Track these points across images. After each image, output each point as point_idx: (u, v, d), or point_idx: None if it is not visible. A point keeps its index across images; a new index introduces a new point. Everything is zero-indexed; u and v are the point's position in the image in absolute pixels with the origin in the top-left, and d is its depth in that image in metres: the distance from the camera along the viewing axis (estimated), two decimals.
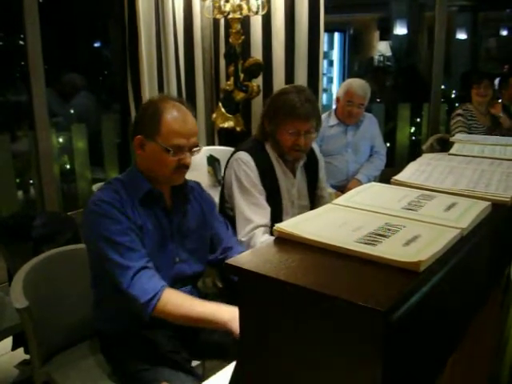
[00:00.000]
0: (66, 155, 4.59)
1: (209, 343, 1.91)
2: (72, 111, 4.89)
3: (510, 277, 1.17)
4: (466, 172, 1.36)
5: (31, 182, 4.20)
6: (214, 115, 3.95)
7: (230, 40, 3.76)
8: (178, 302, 1.65)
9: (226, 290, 2.41)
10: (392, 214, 0.98)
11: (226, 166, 2.43)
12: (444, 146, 3.96)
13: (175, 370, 1.71)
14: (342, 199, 1.08)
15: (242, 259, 0.84)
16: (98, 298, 1.89)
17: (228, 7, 3.61)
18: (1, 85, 4.89)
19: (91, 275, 1.86)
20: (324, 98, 8.04)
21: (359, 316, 0.69)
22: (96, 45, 6.46)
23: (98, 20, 5.76)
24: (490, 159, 1.53)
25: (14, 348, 2.65)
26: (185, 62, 3.99)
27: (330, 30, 8.36)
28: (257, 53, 4.02)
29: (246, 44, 3.94)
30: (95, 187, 3.32)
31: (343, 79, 7.61)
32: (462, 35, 9.32)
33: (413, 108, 5.75)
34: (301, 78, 4.06)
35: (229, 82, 3.84)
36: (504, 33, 9.55)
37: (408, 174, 1.35)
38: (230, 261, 0.82)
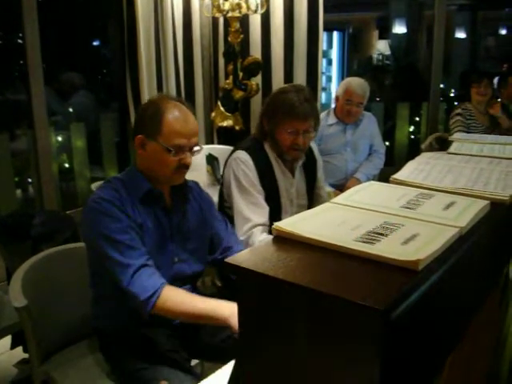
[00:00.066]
0: (64, 154, 4.59)
1: (209, 346, 1.91)
2: (71, 110, 4.89)
3: (508, 276, 1.17)
4: (465, 171, 1.36)
5: (30, 180, 4.20)
6: (213, 114, 3.95)
7: (229, 39, 3.76)
8: (178, 298, 1.65)
9: (225, 288, 2.42)
10: (391, 212, 0.98)
11: (224, 165, 2.43)
12: (443, 144, 3.96)
13: (174, 368, 1.71)
14: (341, 198, 1.08)
15: (241, 258, 0.84)
16: (96, 297, 1.89)
17: (227, 6, 3.60)
18: (0, 83, 4.89)
19: (90, 274, 1.86)
20: (323, 96, 8.05)
21: (358, 315, 0.69)
22: (95, 43, 6.46)
23: (96, 19, 5.76)
24: (489, 158, 1.52)
25: (12, 347, 2.65)
26: (184, 60, 3.99)
27: (329, 28, 8.37)
28: (256, 51, 4.02)
29: (245, 43, 3.94)
30: (94, 186, 3.32)
31: (342, 78, 7.61)
32: (461, 34, 9.33)
33: (412, 107, 5.75)
34: (300, 76, 4.06)
35: (228, 81, 3.83)
36: (503, 32, 9.56)
37: (407, 172, 1.35)
38: (228, 259, 0.82)
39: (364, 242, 0.84)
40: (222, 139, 4.00)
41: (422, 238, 0.85)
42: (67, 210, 3.59)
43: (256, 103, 4.04)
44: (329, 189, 3.23)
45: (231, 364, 1.44)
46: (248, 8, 3.63)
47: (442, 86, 5.30)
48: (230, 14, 3.65)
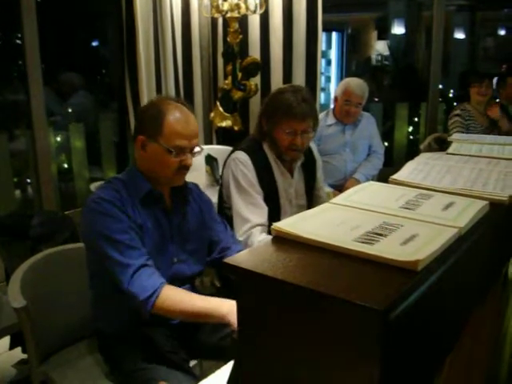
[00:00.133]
0: (63, 154, 4.59)
1: (207, 344, 1.91)
2: (70, 110, 4.89)
3: (507, 275, 1.17)
4: (464, 171, 1.36)
5: (29, 181, 4.20)
6: (212, 114, 3.95)
7: (228, 39, 3.76)
8: (177, 297, 1.66)
9: (224, 289, 2.41)
10: (390, 213, 0.98)
11: (223, 166, 2.43)
12: (442, 145, 3.97)
13: (173, 369, 1.71)
14: (340, 198, 1.08)
15: (240, 258, 0.84)
16: (96, 297, 1.89)
17: (226, 6, 3.60)
18: None
19: (89, 274, 1.86)
20: (322, 97, 8.05)
21: (357, 315, 0.69)
22: (94, 44, 6.46)
23: (95, 19, 5.76)
24: (488, 158, 1.53)
25: (11, 347, 2.64)
26: (183, 60, 3.99)
27: (327, 29, 8.36)
28: (255, 52, 4.02)
29: (244, 43, 3.94)
30: (93, 186, 3.32)
31: (341, 78, 7.61)
32: (459, 35, 9.33)
33: (411, 107, 5.75)
34: (299, 77, 4.06)
35: (227, 81, 3.83)
36: (502, 32, 9.57)
37: (406, 173, 1.35)
38: (227, 260, 0.82)
39: (363, 242, 0.84)
40: (221, 139, 4.00)
41: (421, 239, 0.86)
42: (66, 210, 3.58)
43: (255, 104, 4.04)
44: (328, 189, 3.23)
45: (230, 364, 1.44)
46: (247, 8, 3.63)
47: (440, 86, 5.30)
48: (228, 15, 3.65)
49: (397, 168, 1.38)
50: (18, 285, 1.87)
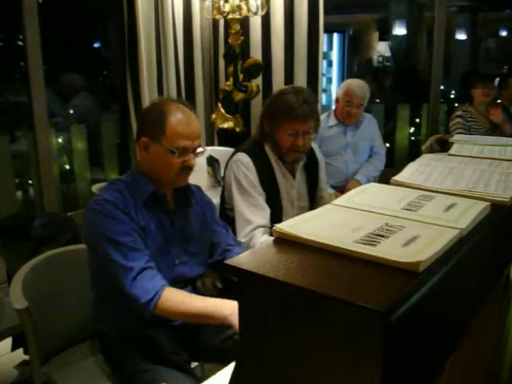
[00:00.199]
0: (65, 156, 4.59)
1: (209, 346, 1.91)
2: (71, 112, 4.89)
3: (509, 277, 1.17)
4: (466, 172, 1.36)
5: (30, 182, 4.20)
6: (214, 116, 3.95)
7: (230, 40, 3.76)
8: (178, 299, 1.66)
9: (226, 290, 2.41)
10: (391, 214, 0.98)
11: (225, 168, 2.44)
12: (443, 146, 3.95)
13: (174, 370, 1.71)
14: (342, 200, 1.08)
15: (241, 259, 0.84)
16: (97, 299, 1.89)
17: (227, 8, 3.61)
18: (0, 85, 4.89)
19: (90, 276, 1.86)
20: (323, 98, 8.05)
21: (358, 316, 0.69)
22: (95, 45, 6.47)
23: (97, 20, 5.76)
24: (489, 160, 1.53)
25: (13, 349, 2.65)
26: (184, 62, 3.99)
27: (329, 30, 8.36)
28: (256, 53, 4.02)
29: (246, 44, 3.94)
30: (95, 188, 3.32)
31: (342, 80, 7.62)
32: (461, 36, 9.33)
33: (412, 108, 5.75)
34: (300, 78, 4.06)
35: (228, 83, 3.83)
36: (503, 33, 9.57)
37: (407, 174, 1.35)
38: (229, 261, 0.82)
39: (365, 243, 0.84)
40: (223, 141, 4.00)
41: (423, 240, 0.86)
42: (68, 211, 3.58)
43: (256, 105, 4.04)
44: (329, 190, 3.23)
45: (231, 366, 1.43)
46: (248, 10, 3.63)
47: (442, 87, 5.30)
48: (230, 16, 3.65)
49: (398, 169, 1.38)
50: (19, 286, 1.87)
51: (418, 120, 5.96)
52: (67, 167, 4.59)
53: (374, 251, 0.81)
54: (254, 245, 2.17)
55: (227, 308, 1.59)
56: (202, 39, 4.13)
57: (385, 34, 9.20)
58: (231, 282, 1.96)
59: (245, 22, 3.88)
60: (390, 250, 0.81)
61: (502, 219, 1.11)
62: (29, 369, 2.18)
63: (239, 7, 3.60)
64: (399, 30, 9.07)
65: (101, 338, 1.91)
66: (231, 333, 1.71)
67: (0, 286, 2.96)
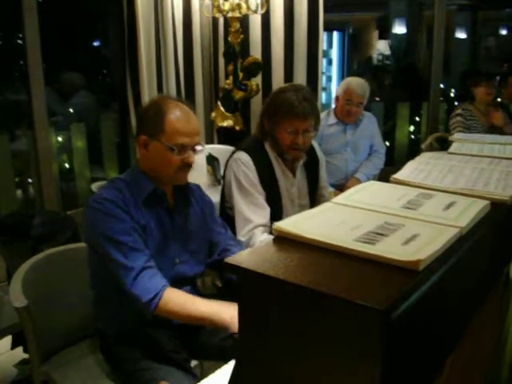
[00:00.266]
0: (65, 154, 4.59)
1: (209, 345, 1.91)
2: (71, 110, 4.89)
3: (509, 275, 1.17)
4: (465, 171, 1.36)
5: (30, 181, 4.20)
6: (213, 114, 3.95)
7: (229, 39, 3.76)
8: (180, 300, 1.66)
9: (226, 289, 2.41)
10: (391, 212, 0.98)
11: (225, 166, 2.43)
12: (443, 144, 3.96)
13: (174, 368, 1.71)
14: (341, 198, 1.08)
15: (241, 258, 0.84)
16: (97, 298, 1.89)
17: (227, 6, 3.60)
18: (0, 84, 4.89)
19: (90, 274, 1.86)
20: (323, 96, 8.05)
21: (358, 315, 0.69)
22: (95, 44, 6.46)
23: (97, 19, 5.76)
24: (489, 158, 1.52)
25: (13, 347, 2.65)
26: (184, 60, 3.99)
27: (329, 28, 8.37)
28: (256, 52, 4.02)
29: (245, 43, 3.94)
30: (94, 186, 3.32)
31: (342, 78, 7.61)
32: (461, 34, 9.33)
33: (412, 107, 5.75)
34: (300, 76, 4.06)
35: (228, 81, 3.83)
36: (503, 32, 9.57)
37: (407, 172, 1.35)
38: (228, 259, 0.82)
39: (364, 242, 0.84)
40: (223, 139, 4.00)
41: (423, 238, 0.85)
42: (67, 210, 3.58)
43: (256, 103, 4.04)
44: (329, 189, 3.23)
45: (231, 364, 1.43)
46: (248, 8, 3.63)
47: (442, 85, 5.30)
48: (230, 14, 3.65)
49: (398, 167, 1.38)
50: (19, 284, 1.87)
51: (417, 118, 5.97)
52: (67, 166, 4.59)
53: (373, 250, 0.81)
54: (254, 244, 2.17)
55: (228, 314, 1.58)
56: (202, 38, 4.13)
57: (385, 33, 9.20)
58: (231, 281, 1.97)
59: (244, 21, 3.88)
60: (389, 249, 0.81)
61: (501, 218, 1.11)
62: (28, 367, 2.18)
63: (239, 5, 3.60)
64: (399, 29, 9.07)
65: (100, 336, 1.91)
66: (231, 332, 1.71)
67: (0, 284, 2.96)
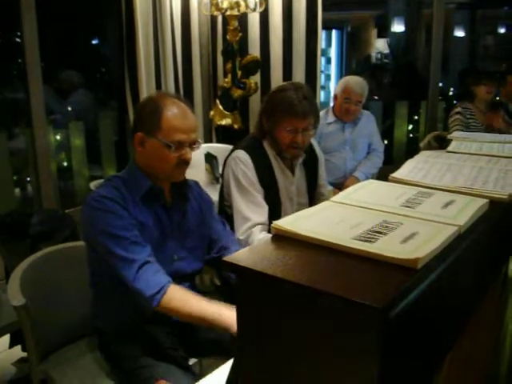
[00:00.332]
0: (63, 153, 4.58)
1: (206, 341, 1.91)
2: (69, 108, 4.88)
3: (507, 274, 1.17)
4: (464, 169, 1.36)
5: (28, 179, 4.20)
6: (212, 112, 3.94)
7: (228, 37, 3.75)
8: (184, 298, 1.65)
9: (224, 287, 2.41)
10: (390, 211, 0.98)
11: (224, 165, 2.43)
12: (442, 143, 3.95)
13: (173, 366, 1.71)
14: (340, 196, 1.08)
15: (240, 256, 0.83)
16: (96, 296, 1.89)
17: (225, 4, 3.60)
18: None
19: (89, 273, 1.86)
20: (322, 95, 8.05)
21: (356, 313, 0.69)
22: (93, 42, 6.45)
23: (95, 17, 5.75)
24: (488, 157, 1.52)
25: (11, 346, 2.65)
26: (182, 59, 3.99)
27: (327, 27, 8.37)
28: (254, 50, 4.01)
29: (244, 41, 3.93)
30: (93, 185, 3.32)
31: (341, 76, 7.61)
32: (459, 33, 9.33)
33: (410, 105, 5.74)
34: (298, 75, 4.06)
35: (226, 79, 3.83)
36: (502, 30, 9.57)
37: (406, 171, 1.35)
38: (227, 258, 0.82)
39: (363, 240, 0.84)
40: (221, 138, 4.00)
41: (421, 237, 0.85)
42: (66, 208, 3.58)
43: (255, 102, 4.04)
44: (328, 187, 3.23)
45: (229, 363, 1.44)
46: (247, 6, 3.62)
47: (440, 84, 5.30)
48: (228, 13, 3.64)
49: (397, 166, 1.38)
50: (17, 283, 1.87)
51: (416, 117, 5.96)
52: (65, 164, 4.58)
53: (372, 248, 0.81)
54: (252, 242, 2.17)
55: (230, 318, 1.57)
56: (200, 36, 4.13)
57: (383, 31, 9.20)
58: (229, 279, 1.97)
59: (243, 19, 3.88)
60: (388, 247, 0.81)
61: (500, 216, 1.11)
62: (27, 366, 2.18)
63: (237, 4, 3.60)
64: (398, 27, 9.07)
65: (99, 334, 1.91)
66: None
67: None
